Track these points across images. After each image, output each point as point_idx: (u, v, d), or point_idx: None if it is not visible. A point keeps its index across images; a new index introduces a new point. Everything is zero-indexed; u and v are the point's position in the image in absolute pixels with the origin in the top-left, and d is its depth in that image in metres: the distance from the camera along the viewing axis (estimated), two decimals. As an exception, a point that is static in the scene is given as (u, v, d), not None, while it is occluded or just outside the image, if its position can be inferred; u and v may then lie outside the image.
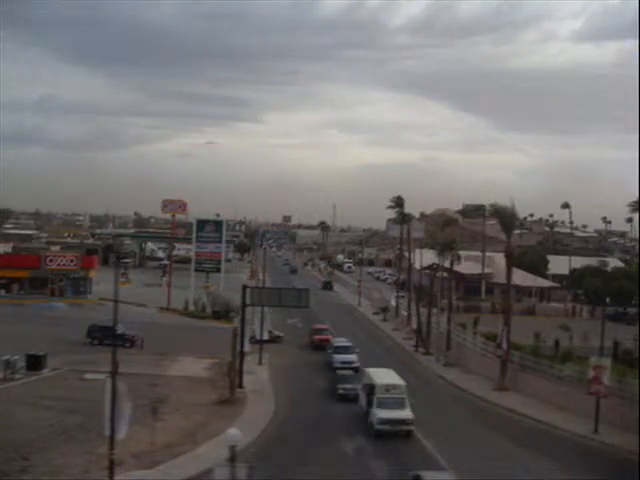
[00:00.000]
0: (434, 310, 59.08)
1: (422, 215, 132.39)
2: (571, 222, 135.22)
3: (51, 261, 74.99)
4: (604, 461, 29.94)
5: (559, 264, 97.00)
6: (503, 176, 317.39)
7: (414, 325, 61.56)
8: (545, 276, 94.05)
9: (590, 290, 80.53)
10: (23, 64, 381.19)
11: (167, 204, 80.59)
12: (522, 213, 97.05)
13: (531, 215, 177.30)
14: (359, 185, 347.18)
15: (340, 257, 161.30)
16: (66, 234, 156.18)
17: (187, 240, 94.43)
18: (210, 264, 78.30)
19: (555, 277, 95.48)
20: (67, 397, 35.08)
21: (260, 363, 47.50)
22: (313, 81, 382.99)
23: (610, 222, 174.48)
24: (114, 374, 19.86)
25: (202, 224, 78.61)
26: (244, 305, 42.27)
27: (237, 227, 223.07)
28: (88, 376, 38.92)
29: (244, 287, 43.39)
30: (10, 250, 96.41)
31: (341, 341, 51.33)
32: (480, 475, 26.35)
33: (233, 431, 22.69)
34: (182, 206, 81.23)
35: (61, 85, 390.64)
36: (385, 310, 76.42)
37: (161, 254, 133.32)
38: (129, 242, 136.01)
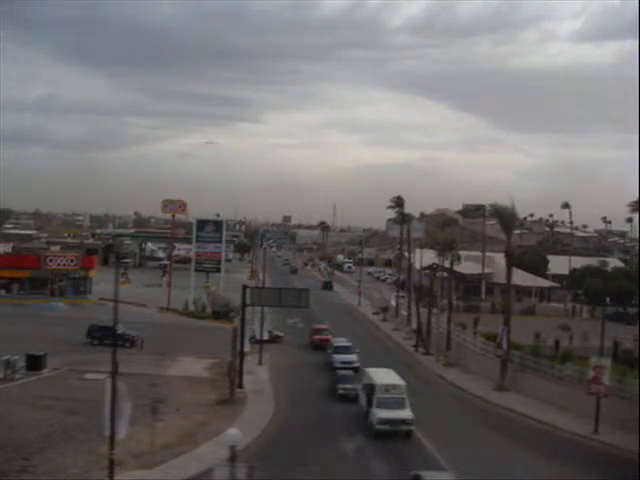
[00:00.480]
0: (434, 310, 59.09)
1: (422, 215, 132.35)
2: (571, 222, 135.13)
3: (51, 261, 75.04)
4: (604, 461, 29.94)
5: (559, 264, 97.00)
6: (503, 176, 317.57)
7: (414, 325, 61.56)
8: (545, 276, 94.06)
9: (590, 290, 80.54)
10: (23, 64, 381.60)
11: (167, 204, 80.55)
12: (522, 213, 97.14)
13: (531, 215, 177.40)
14: (359, 185, 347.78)
15: (340, 257, 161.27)
16: (66, 234, 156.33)
17: (187, 240, 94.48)
18: (210, 264, 78.26)
19: (555, 277, 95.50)
20: (67, 397, 35.08)
21: (260, 363, 47.51)
22: (313, 81, 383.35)
23: (610, 222, 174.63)
24: (114, 374, 19.86)
25: (202, 224, 78.54)
26: (244, 305, 42.25)
27: (237, 227, 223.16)
28: (88, 376, 38.93)
29: (244, 287, 43.37)
30: (10, 250, 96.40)
31: (341, 341, 51.32)
32: (480, 475, 26.34)
33: (233, 431, 22.70)
34: (182, 206, 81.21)
35: (61, 85, 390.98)
36: (385, 310, 76.43)
37: (161, 254, 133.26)
38: (129, 242, 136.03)
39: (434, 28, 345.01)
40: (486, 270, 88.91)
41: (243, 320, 42.35)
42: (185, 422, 32.07)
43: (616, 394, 34.20)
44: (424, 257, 73.22)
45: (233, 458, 20.59)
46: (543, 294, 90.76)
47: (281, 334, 59.14)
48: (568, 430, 34.05)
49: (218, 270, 78.01)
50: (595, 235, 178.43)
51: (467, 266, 78.56)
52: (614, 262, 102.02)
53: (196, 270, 77.42)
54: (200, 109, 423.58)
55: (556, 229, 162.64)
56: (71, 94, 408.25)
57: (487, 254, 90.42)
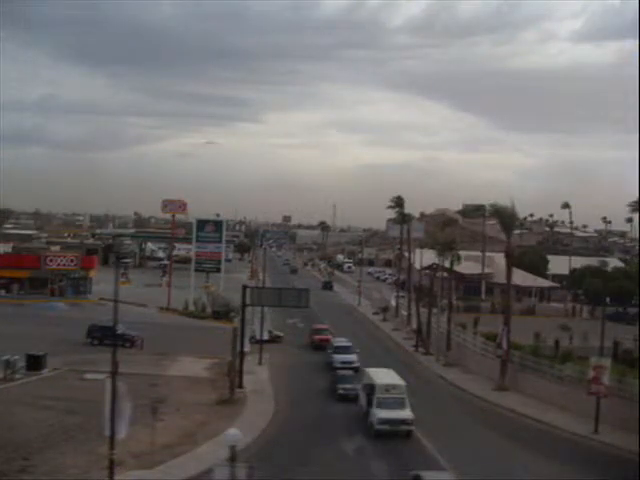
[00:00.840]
0: (434, 310, 59.09)
1: (422, 215, 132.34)
2: (571, 222, 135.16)
3: (51, 261, 75.02)
4: (604, 461, 29.94)
5: (559, 264, 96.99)
6: (503, 176, 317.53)
7: (414, 325, 61.57)
8: (545, 276, 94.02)
9: (590, 290, 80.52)
10: (23, 64, 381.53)
11: (167, 204, 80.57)
12: (522, 213, 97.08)
13: (531, 215, 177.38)
14: (359, 185, 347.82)
15: (340, 257, 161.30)
16: (66, 234, 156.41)
17: (187, 240, 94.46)
18: (210, 264, 78.28)
19: (555, 277, 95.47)
20: (67, 397, 35.09)
21: (260, 363, 47.51)
22: (313, 81, 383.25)
23: (610, 222, 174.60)
24: (114, 374, 19.86)
25: (202, 224, 78.57)
26: (244, 305, 42.26)
27: (237, 227, 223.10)
28: (88, 376, 38.94)
29: (244, 287, 43.38)
30: (10, 250, 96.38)
31: (341, 341, 51.32)
32: (480, 475, 26.34)
33: (233, 431, 22.70)
34: (182, 206, 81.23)
35: (61, 85, 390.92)
36: (385, 310, 76.44)
37: (161, 254, 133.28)
38: (129, 242, 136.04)
39: (434, 28, 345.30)
40: (486, 270, 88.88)
41: (243, 320, 42.35)
42: (185, 422, 32.07)
43: (616, 394, 34.19)
44: (424, 257, 73.23)
45: (233, 458, 20.59)
46: (543, 294, 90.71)
47: (281, 334, 59.13)
48: (568, 430, 34.05)
49: (218, 270, 78.02)
50: (595, 235, 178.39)
51: (467, 266, 78.56)
52: (614, 262, 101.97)
53: (196, 270, 77.42)
54: (200, 109, 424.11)
55: (556, 229, 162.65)
56: (71, 94, 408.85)
57: (487, 254, 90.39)
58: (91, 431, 27.47)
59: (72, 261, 75.48)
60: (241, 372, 40.20)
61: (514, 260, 49.72)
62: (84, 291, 75.91)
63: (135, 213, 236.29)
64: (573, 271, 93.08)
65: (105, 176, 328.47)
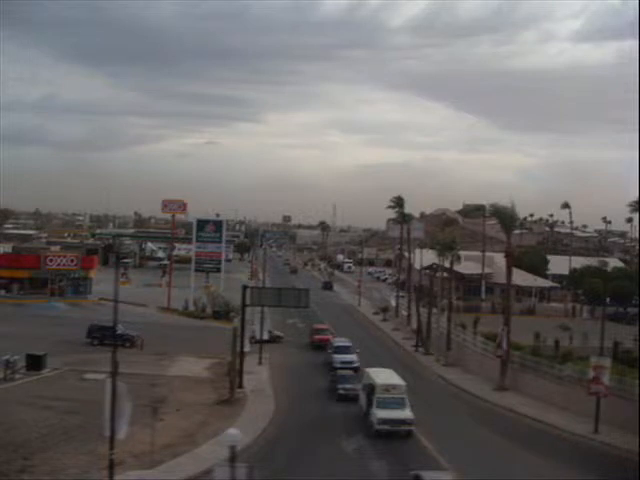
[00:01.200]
0: (434, 310, 59.09)
1: (422, 215, 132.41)
2: (571, 222, 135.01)
3: (51, 261, 75.00)
4: (604, 461, 29.95)
5: (559, 264, 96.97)
6: (503, 176, 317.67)
7: (414, 325, 61.57)
8: (545, 276, 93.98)
9: (590, 290, 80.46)
10: (23, 64, 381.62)
11: (167, 204, 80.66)
12: (522, 213, 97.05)
13: (531, 215, 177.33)
14: (359, 185, 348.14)
15: (340, 257, 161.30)
16: (66, 234, 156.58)
17: (187, 240, 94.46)
18: (210, 264, 78.31)
19: (555, 277, 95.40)
20: (67, 397, 35.10)
21: (260, 363, 47.52)
22: (313, 81, 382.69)
23: (610, 222, 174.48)
24: (114, 374, 19.86)
25: (202, 224, 78.65)
26: (244, 305, 42.27)
27: (237, 227, 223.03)
28: (88, 376, 38.97)
29: (244, 287, 43.38)
30: (10, 250, 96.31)
31: (341, 341, 51.34)
32: (480, 475, 26.34)
33: (233, 431, 22.64)
34: (182, 206, 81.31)
35: (61, 85, 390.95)
36: (385, 310, 76.45)
37: (161, 254, 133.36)
38: (129, 242, 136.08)
39: (434, 28, 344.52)
40: (486, 270, 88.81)
41: (243, 320, 42.35)
42: (185, 422, 32.07)
43: (616, 394, 34.18)
44: (424, 257, 73.23)
45: (233, 458, 20.57)
46: (543, 294, 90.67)
47: (281, 334, 59.15)
48: (568, 430, 34.04)
49: (218, 270, 78.04)
50: (595, 235, 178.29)
51: (467, 266, 78.53)
52: (614, 262, 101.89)
53: (196, 270, 77.46)
54: (200, 109, 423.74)
55: (556, 229, 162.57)
56: (71, 94, 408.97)
57: (487, 254, 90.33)
58: (91, 431, 27.44)
59: (72, 261, 75.51)
60: (241, 372, 40.20)
61: (514, 260, 49.72)
62: (84, 291, 75.89)
63: (135, 213, 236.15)
64: (573, 271, 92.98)
65: (105, 176, 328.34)
